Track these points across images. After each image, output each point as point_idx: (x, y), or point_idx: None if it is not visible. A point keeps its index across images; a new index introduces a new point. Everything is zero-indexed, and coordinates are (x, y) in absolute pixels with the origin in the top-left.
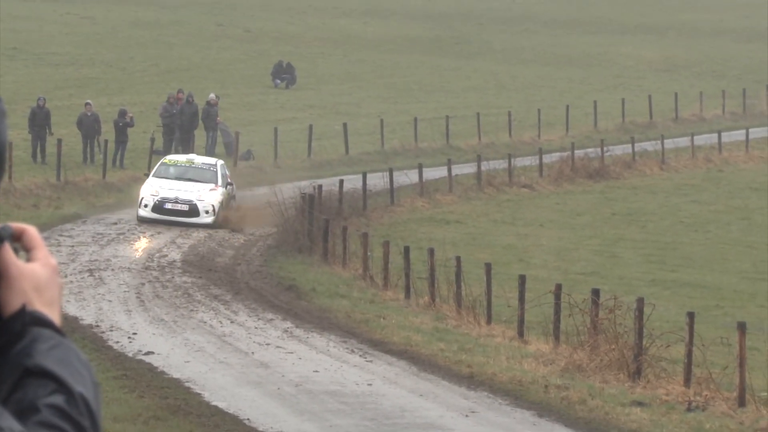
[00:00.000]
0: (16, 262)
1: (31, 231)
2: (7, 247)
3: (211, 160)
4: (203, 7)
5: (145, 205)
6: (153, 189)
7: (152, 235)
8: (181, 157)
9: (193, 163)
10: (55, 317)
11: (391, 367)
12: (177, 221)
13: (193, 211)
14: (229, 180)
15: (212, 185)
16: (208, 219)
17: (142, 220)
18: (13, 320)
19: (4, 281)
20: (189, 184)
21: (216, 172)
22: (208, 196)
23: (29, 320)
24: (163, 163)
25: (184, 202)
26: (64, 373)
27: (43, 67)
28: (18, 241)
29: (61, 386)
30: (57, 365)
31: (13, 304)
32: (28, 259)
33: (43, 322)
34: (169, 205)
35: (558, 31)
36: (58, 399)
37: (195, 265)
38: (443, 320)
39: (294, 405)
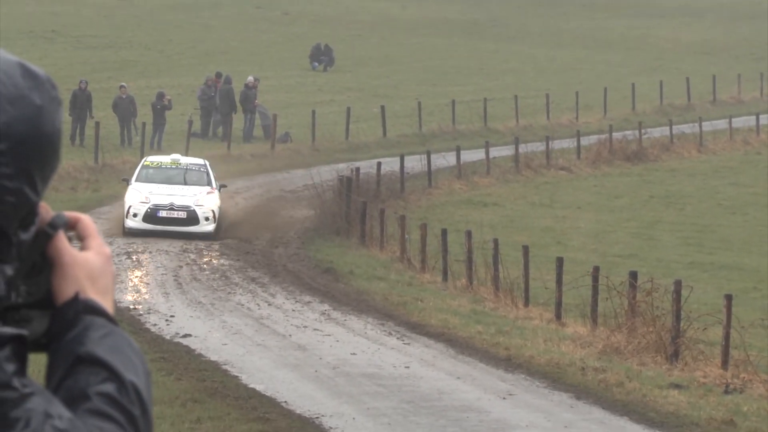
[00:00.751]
0: (70, 250)
1: (86, 220)
2: (62, 236)
3: (198, 160)
4: None
5: (134, 215)
6: (141, 195)
7: None
8: (164, 158)
9: (180, 164)
10: (108, 306)
11: (429, 350)
12: (173, 231)
13: (192, 218)
14: (221, 183)
15: (208, 188)
16: (209, 227)
17: (131, 232)
18: (67, 308)
19: (58, 269)
20: (182, 188)
21: (206, 173)
22: (206, 201)
23: (82, 308)
24: (145, 166)
25: (181, 208)
26: (116, 362)
27: (82, 50)
28: (72, 229)
29: (113, 374)
30: (109, 353)
31: (67, 292)
32: (82, 248)
33: (96, 310)
34: (163, 213)
35: (596, 14)
36: (110, 387)
37: (232, 248)
38: (481, 303)
39: (331, 387)
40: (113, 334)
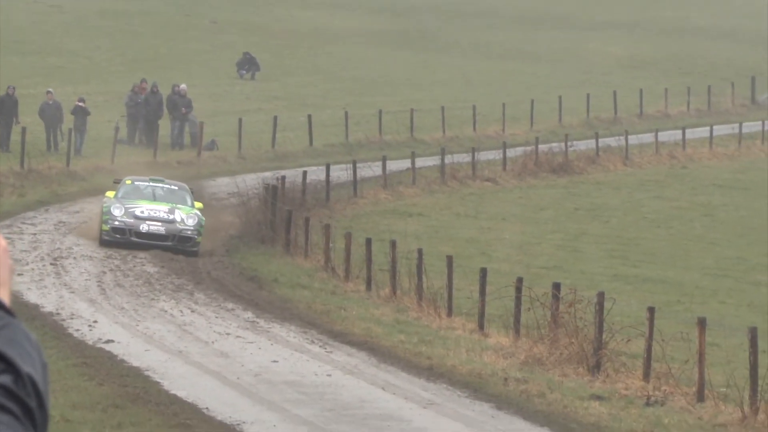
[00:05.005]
0: None
1: None
2: None
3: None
4: None
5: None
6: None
7: None
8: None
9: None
10: (4, 297)
11: (351, 359)
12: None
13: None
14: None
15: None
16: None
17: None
18: None
19: None
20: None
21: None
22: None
23: None
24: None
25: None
26: (13, 354)
27: (10, 55)
28: None
29: (9, 366)
30: (5, 345)
31: None
32: None
33: None
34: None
35: (525, 26)
36: (6, 379)
37: (157, 255)
38: (404, 312)
39: (253, 395)
40: (10, 326)
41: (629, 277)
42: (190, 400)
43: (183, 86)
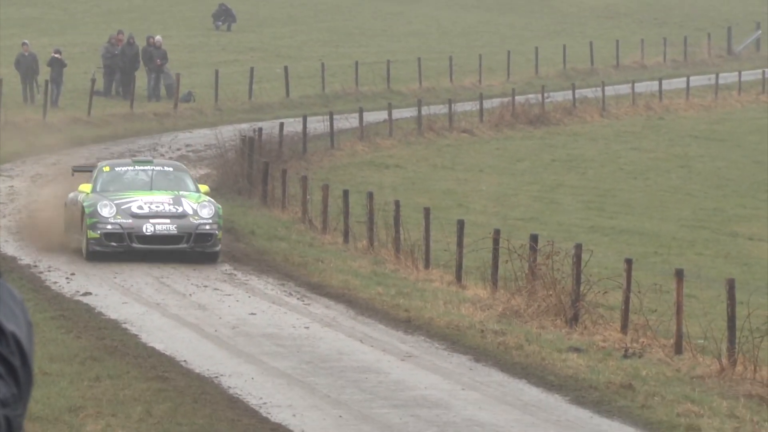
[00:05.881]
0: None
1: None
2: None
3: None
4: None
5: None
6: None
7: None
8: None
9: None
10: None
11: (329, 311)
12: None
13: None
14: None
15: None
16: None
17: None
18: None
19: None
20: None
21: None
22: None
23: None
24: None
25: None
26: None
27: None
28: None
29: None
30: None
31: None
32: None
33: None
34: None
35: None
36: None
37: None
38: (381, 264)
39: (231, 347)
40: None
41: (606, 228)
42: (167, 353)
43: (158, 38)
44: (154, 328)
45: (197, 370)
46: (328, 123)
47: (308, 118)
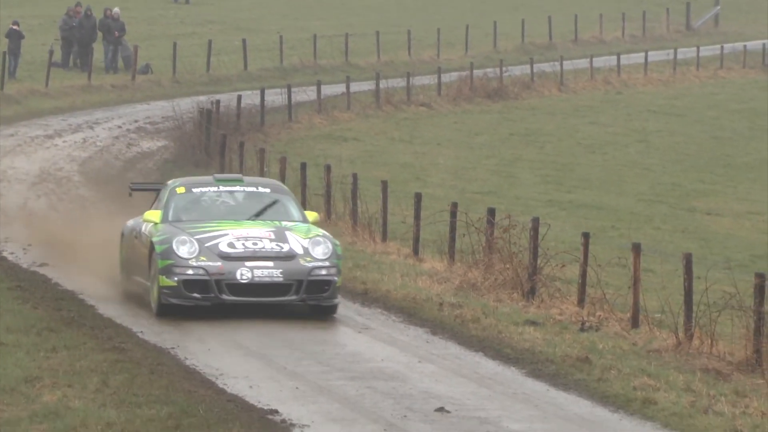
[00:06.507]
0: None
1: None
2: None
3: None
4: None
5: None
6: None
7: (48, 148)
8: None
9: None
10: None
11: None
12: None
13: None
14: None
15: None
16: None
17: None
18: None
19: None
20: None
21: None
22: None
23: None
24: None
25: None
26: None
27: None
28: None
29: None
30: None
31: None
32: None
33: None
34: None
35: None
36: None
37: (92, 179)
38: (339, 237)
39: (188, 320)
40: None
41: (564, 202)
42: (124, 324)
43: (116, 9)
44: (110, 298)
45: (153, 341)
46: (286, 96)
47: (266, 91)
